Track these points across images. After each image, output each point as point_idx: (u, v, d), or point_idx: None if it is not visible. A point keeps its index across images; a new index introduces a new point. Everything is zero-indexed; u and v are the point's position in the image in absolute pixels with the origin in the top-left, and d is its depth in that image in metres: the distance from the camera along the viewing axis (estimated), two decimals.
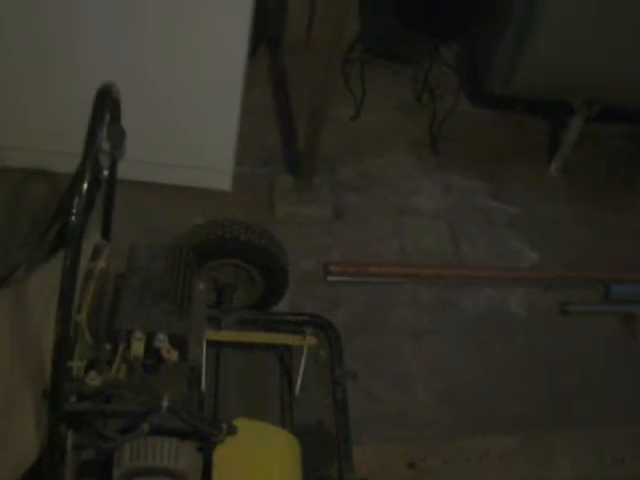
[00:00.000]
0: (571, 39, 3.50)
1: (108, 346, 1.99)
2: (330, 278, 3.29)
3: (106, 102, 1.80)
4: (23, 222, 3.26)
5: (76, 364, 1.90)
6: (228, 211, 3.31)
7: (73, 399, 1.83)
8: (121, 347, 1.96)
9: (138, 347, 1.94)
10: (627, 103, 3.96)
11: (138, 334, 1.95)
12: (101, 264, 2.17)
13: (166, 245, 2.27)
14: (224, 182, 3.56)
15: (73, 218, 1.62)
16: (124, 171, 2.24)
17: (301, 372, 2.46)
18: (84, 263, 2.16)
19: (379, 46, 4.30)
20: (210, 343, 2.40)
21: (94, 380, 1.82)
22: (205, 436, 1.98)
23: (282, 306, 2.90)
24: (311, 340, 2.47)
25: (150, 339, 1.96)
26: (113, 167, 2.13)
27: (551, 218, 3.83)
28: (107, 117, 1.84)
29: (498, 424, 2.92)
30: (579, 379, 3.17)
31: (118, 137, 2.01)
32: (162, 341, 1.95)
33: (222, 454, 2.04)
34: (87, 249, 2.22)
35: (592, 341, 3.32)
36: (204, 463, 2.06)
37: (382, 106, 4.22)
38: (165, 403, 1.84)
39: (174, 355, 1.97)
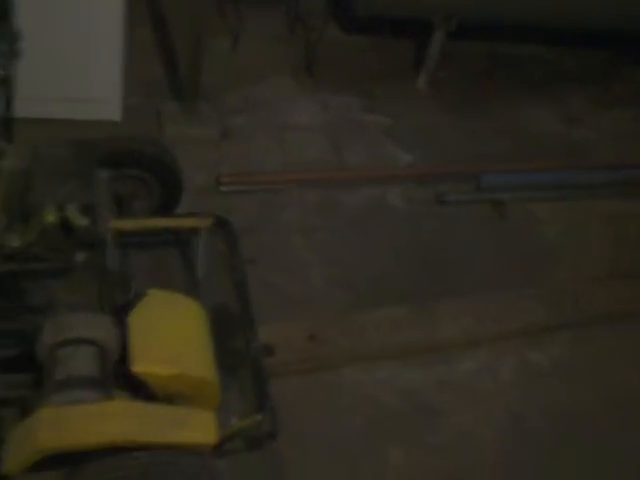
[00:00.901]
0: None
1: (22, 224, 2.09)
2: (223, 188, 3.42)
3: None
4: None
5: None
6: None
7: None
8: (35, 219, 2.06)
9: (51, 216, 2.05)
10: (481, 19, 4.21)
11: (50, 207, 2.06)
12: (8, 162, 2.25)
13: (69, 140, 2.38)
14: (114, 112, 3.62)
15: None
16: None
17: (200, 254, 2.60)
18: None
19: None
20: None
21: (14, 241, 1.92)
22: (118, 294, 2.10)
23: None
24: (207, 221, 2.61)
25: (61, 211, 2.07)
26: (10, 67, 2.21)
27: (422, 126, 4.05)
28: None
29: (388, 299, 3.12)
30: (457, 258, 3.39)
31: (12, 36, 2.09)
32: (72, 210, 2.06)
33: (136, 320, 2.17)
34: None
35: (467, 225, 3.55)
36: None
37: (259, 38, 4.34)
38: (80, 257, 1.96)
39: (84, 220, 2.08)
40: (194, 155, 3.49)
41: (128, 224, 2.53)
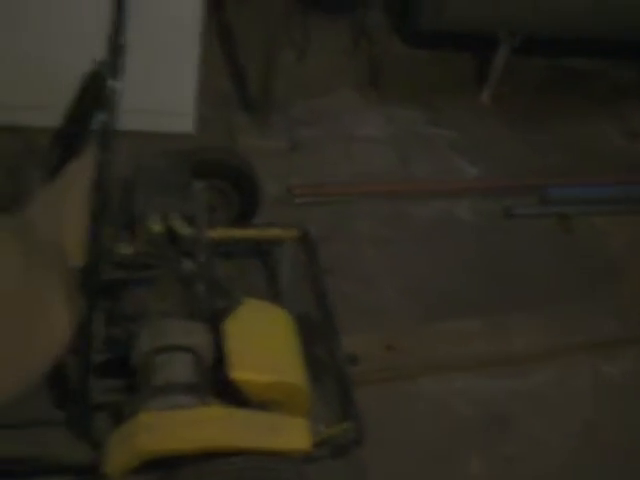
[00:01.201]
0: None
1: (125, 233, 2.13)
2: (295, 200, 3.45)
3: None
4: None
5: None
6: None
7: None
8: (141, 228, 2.11)
9: (157, 225, 2.09)
10: (546, 33, 4.22)
11: (155, 216, 2.10)
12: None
13: (166, 151, 2.43)
14: (187, 124, 3.67)
15: (106, 116, 1.77)
16: None
17: (285, 264, 2.63)
18: (90, 172, 2.29)
19: None
20: None
21: (126, 249, 1.96)
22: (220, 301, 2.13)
23: None
24: (292, 232, 2.64)
25: (165, 219, 2.11)
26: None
27: (486, 139, 4.06)
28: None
29: (458, 311, 3.12)
30: (525, 271, 3.39)
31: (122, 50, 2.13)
32: (175, 219, 2.10)
33: (233, 327, 2.20)
34: (89, 160, 2.34)
35: (533, 238, 3.56)
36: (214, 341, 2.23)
37: (323, 51, 4.37)
38: (190, 265, 1.99)
39: (188, 230, 2.12)
40: (266, 166, 3.49)
41: (217, 233, 2.56)
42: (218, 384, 2.18)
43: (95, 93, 2.10)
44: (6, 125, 3.41)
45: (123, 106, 3.48)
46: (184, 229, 2.13)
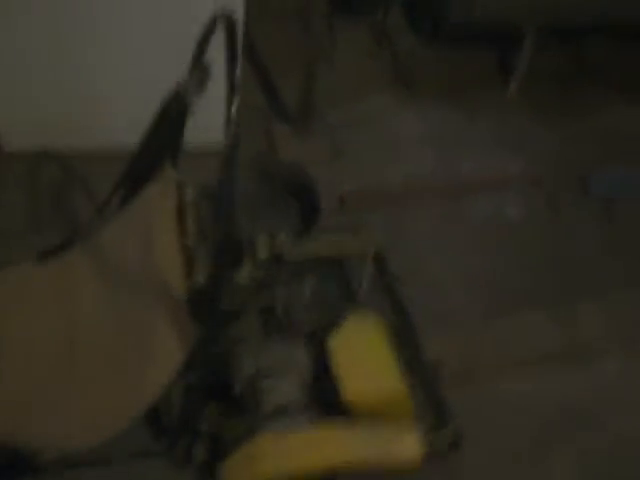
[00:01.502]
0: None
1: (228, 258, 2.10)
2: (347, 207, 3.44)
3: (215, 27, 1.89)
4: (40, 204, 3.30)
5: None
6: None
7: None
8: (250, 254, 2.09)
9: (265, 250, 2.08)
10: (573, 24, 4.23)
11: (263, 237, 2.08)
12: (190, 195, 2.28)
13: (255, 168, 2.42)
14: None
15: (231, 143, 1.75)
16: (126, 141, 2.35)
17: (366, 276, 2.61)
18: (172, 196, 2.28)
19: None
20: None
21: (244, 278, 1.94)
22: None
23: None
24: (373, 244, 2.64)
25: (272, 242, 2.10)
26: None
27: (522, 132, 4.06)
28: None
29: (527, 305, 3.14)
30: (578, 260, 3.43)
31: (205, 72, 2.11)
32: (284, 240, 2.09)
33: (335, 342, 2.19)
34: (168, 184, 2.33)
35: (581, 228, 3.59)
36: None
37: (347, 54, 4.35)
38: (307, 288, 1.98)
39: (294, 251, 2.11)
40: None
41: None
42: (322, 400, 2.17)
43: (175, 114, 2.08)
44: (44, 150, 3.40)
45: None
46: (290, 250, 2.11)
